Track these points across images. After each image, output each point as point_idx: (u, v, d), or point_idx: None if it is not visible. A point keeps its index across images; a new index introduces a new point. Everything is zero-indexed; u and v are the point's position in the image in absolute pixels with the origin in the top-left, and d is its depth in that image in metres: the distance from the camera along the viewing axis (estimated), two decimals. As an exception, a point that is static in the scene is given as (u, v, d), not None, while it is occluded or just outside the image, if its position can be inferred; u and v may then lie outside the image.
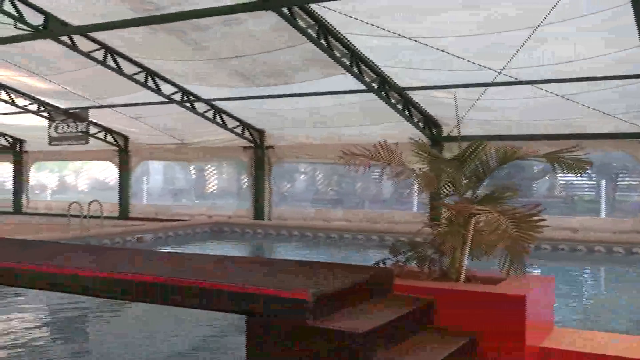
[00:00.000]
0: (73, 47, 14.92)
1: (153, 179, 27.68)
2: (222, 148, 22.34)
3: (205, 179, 26.89)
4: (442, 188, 6.72)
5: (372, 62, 14.49)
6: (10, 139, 27.28)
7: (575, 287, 12.96)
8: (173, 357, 7.90)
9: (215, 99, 18.51)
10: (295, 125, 20.15)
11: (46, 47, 15.41)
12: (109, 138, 24.14)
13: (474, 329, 5.67)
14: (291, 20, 12.11)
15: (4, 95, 20.53)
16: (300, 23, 12.37)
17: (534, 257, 7.34)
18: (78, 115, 22.25)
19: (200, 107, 19.23)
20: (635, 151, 16.81)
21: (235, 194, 24.22)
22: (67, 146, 24.04)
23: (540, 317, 6.09)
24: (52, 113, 22.56)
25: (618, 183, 19.66)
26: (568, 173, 6.51)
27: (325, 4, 11.59)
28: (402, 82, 15.39)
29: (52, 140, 23.72)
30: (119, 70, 16.16)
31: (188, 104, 18.86)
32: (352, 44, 13.67)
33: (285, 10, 11.77)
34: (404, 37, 12.49)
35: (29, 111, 21.81)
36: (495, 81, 13.72)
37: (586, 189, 20.89)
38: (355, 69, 14.21)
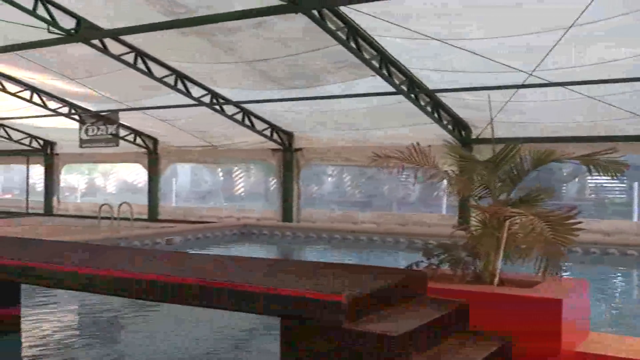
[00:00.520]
0: (104, 50, 15.05)
1: (181, 181, 27.86)
2: (251, 150, 22.40)
3: (233, 181, 27.01)
4: (476, 190, 6.68)
5: (402, 64, 14.44)
6: (41, 142, 27.59)
7: (607, 291, 12.81)
8: (204, 358, 7.93)
9: (244, 102, 18.56)
10: (324, 128, 20.15)
11: (77, 50, 15.55)
12: (139, 140, 24.33)
13: (508, 333, 5.63)
14: (321, 22, 12.11)
15: (36, 99, 20.75)
16: (330, 25, 12.36)
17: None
18: (108, 118, 22.43)
19: (229, 109, 19.29)
20: (668, 153, 16.58)
21: (263, 196, 24.30)
22: (97, 148, 24.25)
23: (576, 321, 6.03)
24: (83, 116, 22.77)
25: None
26: (604, 175, 6.43)
27: (355, 5, 11.58)
28: (431, 84, 15.33)
29: (82, 142, 23.94)
30: (149, 73, 16.27)
31: (217, 107, 18.93)
32: (381, 46, 13.64)
33: (315, 12, 11.77)
34: (433, 38, 12.44)
35: (60, 114, 22.05)
36: (526, 83, 13.60)
37: (617, 192, 20.68)
38: (384, 71, 14.17)
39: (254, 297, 5.26)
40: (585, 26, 11.08)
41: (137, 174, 27.47)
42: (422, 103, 16.23)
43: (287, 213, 21.82)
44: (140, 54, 15.77)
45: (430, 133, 16.54)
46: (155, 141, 24.71)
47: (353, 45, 13.01)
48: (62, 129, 24.23)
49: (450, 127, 17.66)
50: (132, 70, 16.13)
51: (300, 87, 16.31)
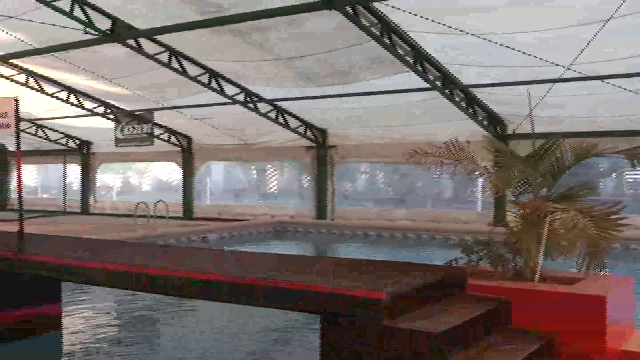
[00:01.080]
0: (139, 50, 15.17)
1: (215, 179, 27.98)
2: (284, 148, 22.43)
3: (266, 179, 27.07)
4: (515, 186, 6.60)
5: (436, 60, 14.34)
6: (77, 141, 27.91)
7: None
8: (245, 355, 7.95)
9: (278, 99, 18.59)
10: (358, 125, 20.10)
11: (113, 50, 15.70)
12: (173, 139, 24.50)
13: (551, 331, 5.55)
14: (355, 19, 12.07)
15: (73, 99, 20.99)
16: (364, 22, 12.31)
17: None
18: (143, 117, 22.63)
19: (263, 107, 19.33)
20: None
21: (296, 194, 24.31)
22: (132, 147, 24.48)
23: (621, 318, 5.92)
24: (118, 115, 22.99)
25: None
26: (648, 169, 6.32)
27: (388, 1, 11.51)
28: (466, 79, 15.20)
29: (118, 141, 24.18)
30: (183, 72, 16.37)
31: (251, 105, 18.98)
32: (415, 42, 13.56)
33: (349, 9, 11.73)
34: (468, 33, 12.32)
35: (96, 114, 22.29)
36: (562, 77, 13.42)
37: (655, 187, 20.34)
38: (418, 67, 14.08)
39: (293, 295, 5.25)
40: (624, 18, 10.89)
41: (171, 172, 27.65)
42: (457, 99, 16.11)
43: (321, 210, 21.82)
44: (174, 53, 15.87)
45: (465, 129, 16.40)
46: (189, 140, 24.86)
47: (387, 41, 12.94)
48: (98, 128, 24.51)
49: (485, 122, 17.50)
50: (166, 70, 16.23)
51: (334, 84, 16.28)
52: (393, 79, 15.18)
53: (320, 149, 21.78)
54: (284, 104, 19.34)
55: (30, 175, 32.29)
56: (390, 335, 4.82)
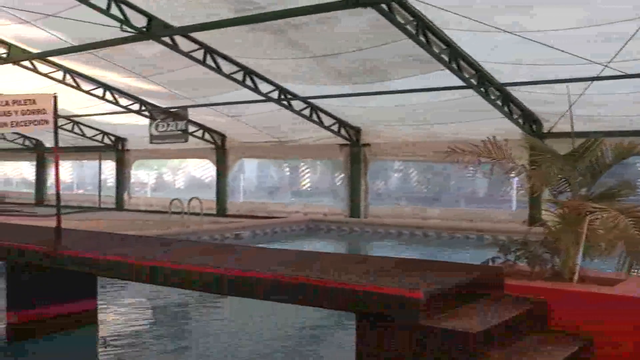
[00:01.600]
0: (174, 47, 15.26)
1: (248, 176, 28.07)
2: (318, 146, 22.41)
3: (300, 177, 27.08)
4: (554, 185, 6.50)
5: (472, 58, 14.21)
6: (113, 138, 28.19)
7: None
8: (277, 352, 7.96)
9: (312, 97, 18.58)
10: (392, 123, 20.02)
11: (148, 48, 15.82)
12: (207, 136, 24.62)
13: (590, 333, 5.46)
14: (390, 16, 12.00)
15: (109, 96, 21.20)
16: (399, 19, 12.24)
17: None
18: (177, 114, 22.78)
19: (297, 105, 19.34)
20: None
21: (330, 192, 24.27)
22: (166, 144, 24.65)
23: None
24: (153, 112, 23.18)
25: None
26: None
27: (425, -1, 11.45)
28: (501, 77, 15.05)
29: (152, 138, 24.36)
30: (217, 70, 16.43)
31: (285, 102, 19.00)
32: (451, 40, 13.45)
33: (384, 6, 11.67)
34: (505, 31, 12.17)
35: (131, 111, 22.48)
36: (601, 75, 13.21)
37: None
38: (454, 65, 13.97)
39: (329, 293, 5.23)
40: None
41: (205, 169, 27.79)
42: (493, 97, 15.95)
43: (354, 208, 21.78)
44: (209, 50, 15.93)
45: (500, 127, 16.22)
46: (223, 137, 24.97)
47: (422, 39, 12.86)
48: (133, 125, 24.74)
49: (520, 121, 17.32)
50: (201, 67, 16.30)
51: (368, 82, 16.23)
52: (428, 77, 15.08)
53: (353, 147, 21.74)
54: (318, 102, 19.33)
55: (67, 171, 32.71)
56: (427, 335, 4.78)
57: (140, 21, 13.75)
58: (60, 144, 26.28)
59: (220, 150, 25.12)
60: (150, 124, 23.96)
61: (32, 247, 8.01)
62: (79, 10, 13.41)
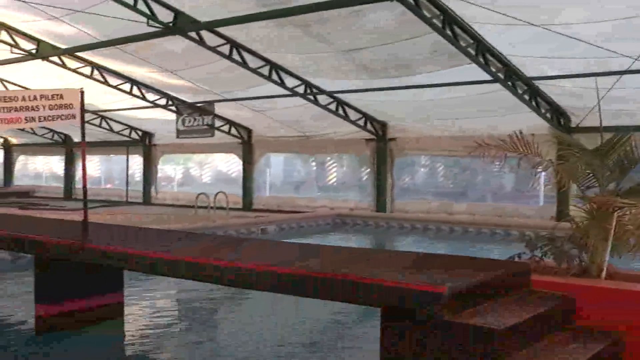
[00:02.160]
0: (200, 42, 15.32)
1: (274, 171, 28.09)
2: (344, 140, 22.39)
3: (326, 171, 27.04)
4: (582, 180, 6.42)
5: (499, 52, 14.10)
6: (140, 133, 28.39)
7: None
8: (301, 347, 7.96)
9: (338, 91, 18.56)
10: (419, 118, 19.94)
11: (175, 43, 15.89)
12: (233, 131, 24.69)
13: (618, 329, 5.39)
14: (416, 10, 11.94)
15: (136, 91, 21.34)
16: (426, 13, 12.17)
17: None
18: (204, 109, 22.89)
19: (323, 99, 19.33)
20: None
21: (356, 186, 24.22)
22: (192, 139, 24.79)
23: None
24: (180, 107, 23.31)
25: None
26: None
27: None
28: (529, 71, 14.91)
29: (179, 133, 24.53)
30: (243, 64, 16.46)
31: (311, 97, 18.99)
32: (478, 33, 13.34)
33: (411, 0, 11.60)
34: (532, 24, 12.05)
35: (158, 105, 22.62)
36: (630, 69, 13.02)
37: None
38: (480, 59, 13.86)
39: (353, 287, 5.21)
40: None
41: (231, 164, 27.87)
42: (520, 91, 15.80)
43: (380, 203, 21.74)
44: (235, 45, 15.96)
45: (527, 122, 16.06)
46: (249, 131, 25.03)
47: (449, 33, 12.77)
48: (160, 120, 24.90)
49: (548, 115, 17.15)
50: (227, 62, 16.35)
51: (394, 76, 16.16)
52: (454, 71, 14.99)
53: (379, 142, 21.68)
54: (344, 97, 19.30)
55: (95, 166, 33.00)
56: (452, 331, 4.75)
57: (166, 16, 13.84)
58: (89, 139, 26.65)
59: (247, 144, 25.19)
60: (177, 119, 24.14)
61: (59, 241, 8.08)
62: (106, 5, 13.54)
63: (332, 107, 19.72)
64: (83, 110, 8.28)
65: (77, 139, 30.36)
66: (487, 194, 22.34)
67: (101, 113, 25.65)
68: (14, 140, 34.68)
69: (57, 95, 8.15)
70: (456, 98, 17.21)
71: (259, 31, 14.75)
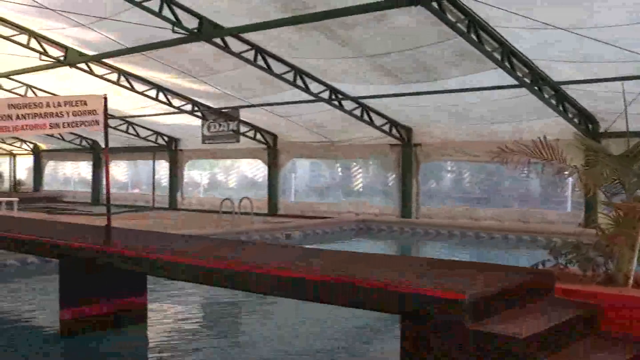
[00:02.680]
0: (225, 48, 15.36)
1: (300, 176, 28.14)
2: (369, 146, 22.33)
3: (351, 177, 27.01)
4: (607, 186, 6.32)
5: (525, 56, 13.96)
6: (166, 138, 28.55)
7: None
8: (323, 352, 7.93)
9: (362, 97, 18.51)
10: (444, 123, 19.83)
11: (200, 49, 15.96)
12: (258, 136, 24.72)
13: (645, 339, 5.29)
14: (440, 14, 11.85)
15: (162, 97, 21.47)
16: (450, 17, 12.08)
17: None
18: (229, 115, 22.98)
19: (347, 104, 19.29)
20: None
21: (381, 192, 24.16)
22: (218, 144, 24.89)
23: None
24: (205, 113, 23.40)
25: None
26: None
27: (476, -4, 11.27)
28: (556, 75, 14.74)
29: (205, 138, 24.65)
30: (268, 70, 16.47)
31: (336, 102, 18.96)
32: (503, 38, 13.22)
33: (435, 4, 11.53)
34: (558, 28, 11.92)
35: (183, 111, 22.74)
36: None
37: None
38: (506, 64, 13.73)
39: (373, 294, 5.17)
40: None
41: (257, 169, 27.95)
42: (547, 96, 15.64)
43: (406, 208, 21.62)
44: (260, 50, 15.98)
45: (554, 127, 15.93)
46: (274, 137, 25.05)
47: (474, 37, 12.66)
48: (186, 125, 25.03)
49: (576, 120, 16.95)
50: (252, 67, 16.38)
51: (419, 81, 16.08)
52: (480, 75, 14.88)
53: (405, 147, 21.58)
54: (368, 102, 19.25)
55: (122, 171, 33.28)
56: (472, 338, 4.69)
57: (191, 22, 13.88)
58: (116, 144, 26.88)
59: (272, 150, 25.22)
60: (203, 125, 24.27)
61: (83, 245, 8.14)
62: (132, 12, 13.63)
63: (357, 112, 19.67)
64: (106, 116, 8.35)
65: (104, 144, 30.59)
66: (514, 199, 22.19)
67: (128, 119, 25.85)
68: (43, 146, 35.07)
69: (81, 101, 8.23)
70: (481, 103, 17.09)
71: (283, 37, 14.76)
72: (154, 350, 8.16)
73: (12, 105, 8.09)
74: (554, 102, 15.90)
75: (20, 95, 22.67)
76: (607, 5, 11.19)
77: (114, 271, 8.18)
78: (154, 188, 30.09)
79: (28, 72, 19.24)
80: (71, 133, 29.34)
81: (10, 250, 10.51)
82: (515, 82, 14.53)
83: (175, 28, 13.72)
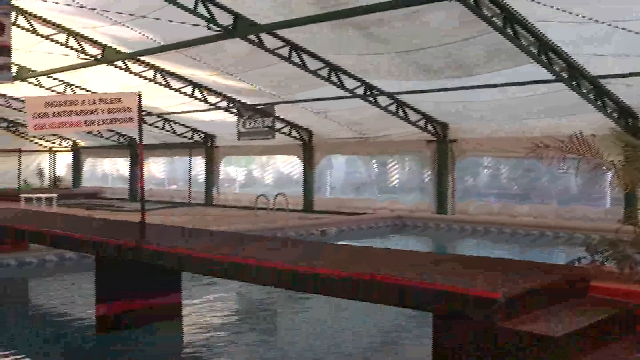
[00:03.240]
0: (260, 45, 15.39)
1: (336, 172, 28.08)
2: (404, 142, 22.22)
3: (387, 173, 26.88)
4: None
5: (562, 50, 13.74)
6: (202, 135, 28.74)
7: None
8: (357, 350, 7.91)
9: (398, 92, 18.42)
10: (480, 118, 19.64)
11: (234, 46, 16.01)
12: (294, 133, 24.76)
13: (683, 338, 5.17)
14: (476, 9, 11.73)
15: (197, 94, 21.60)
16: (486, 12, 11.95)
17: None
18: (264, 111, 23.03)
19: (383, 100, 19.21)
20: None
21: (417, 188, 24.01)
22: (253, 141, 24.97)
23: None
24: (241, 109, 23.49)
25: None
26: None
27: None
28: (594, 70, 14.50)
29: (240, 135, 24.76)
30: (303, 66, 16.47)
31: (371, 98, 18.90)
32: (540, 32, 13.03)
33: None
34: (597, 21, 11.72)
35: (219, 108, 22.86)
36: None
37: None
38: (543, 58, 13.54)
39: (405, 291, 5.14)
40: None
41: (293, 165, 27.98)
42: (585, 90, 15.38)
43: (441, 205, 21.48)
44: (294, 47, 15.98)
45: (592, 122, 15.65)
46: (310, 133, 25.06)
47: (510, 32, 12.51)
48: (222, 122, 25.16)
49: (615, 115, 16.64)
50: (287, 64, 16.39)
51: (455, 76, 15.95)
52: (516, 70, 14.69)
53: (440, 143, 21.43)
54: (404, 97, 19.15)
55: (159, 167, 33.57)
56: (505, 337, 4.63)
57: (226, 19, 13.94)
58: (153, 141, 27.14)
59: (307, 146, 25.23)
60: (238, 121, 24.37)
61: (116, 241, 8.22)
62: (167, 10, 13.72)
63: (392, 108, 19.58)
64: (140, 113, 8.41)
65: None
66: (552, 195, 21.87)
67: (164, 116, 26.07)
68: (82, 143, 35.54)
69: (116, 99, 8.30)
70: (518, 98, 16.89)
71: (318, 33, 14.74)
72: (188, 347, 8.22)
73: (48, 103, 8.18)
74: (592, 96, 15.64)
75: (59, 92, 23.00)
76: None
77: (148, 268, 8.25)
78: (190, 184, 30.30)
79: (66, 70, 19.51)
80: (109, 130, 29.68)
81: (48, 245, 10.68)
82: (553, 77, 14.32)
83: (210, 25, 13.79)
